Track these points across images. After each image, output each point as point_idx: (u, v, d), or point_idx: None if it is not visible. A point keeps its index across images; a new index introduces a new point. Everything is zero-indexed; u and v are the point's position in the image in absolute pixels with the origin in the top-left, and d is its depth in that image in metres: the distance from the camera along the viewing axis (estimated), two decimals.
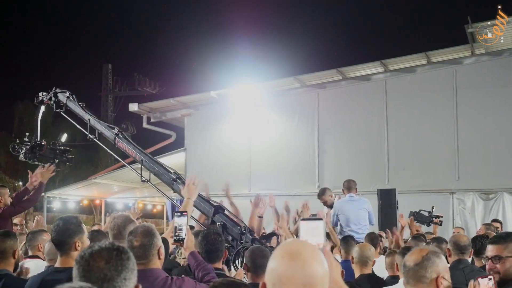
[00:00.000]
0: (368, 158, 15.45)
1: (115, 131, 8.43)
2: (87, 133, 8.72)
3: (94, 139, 8.75)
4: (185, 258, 6.66)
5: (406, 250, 5.78)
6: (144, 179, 8.03)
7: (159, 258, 4.09)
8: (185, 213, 4.90)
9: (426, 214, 10.82)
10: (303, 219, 2.65)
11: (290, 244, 2.24)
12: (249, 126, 16.45)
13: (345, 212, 10.20)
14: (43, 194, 20.63)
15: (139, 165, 8.15)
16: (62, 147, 9.13)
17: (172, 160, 18.14)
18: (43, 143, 8.86)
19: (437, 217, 10.96)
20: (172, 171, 7.76)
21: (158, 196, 23.76)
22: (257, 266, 4.87)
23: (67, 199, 24.55)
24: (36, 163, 9.10)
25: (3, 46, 65.00)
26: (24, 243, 7.42)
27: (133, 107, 17.42)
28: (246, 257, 5.13)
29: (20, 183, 31.92)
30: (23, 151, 8.83)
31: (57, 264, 4.46)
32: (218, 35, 77.03)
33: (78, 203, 33.46)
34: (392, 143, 15.32)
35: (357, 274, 6.09)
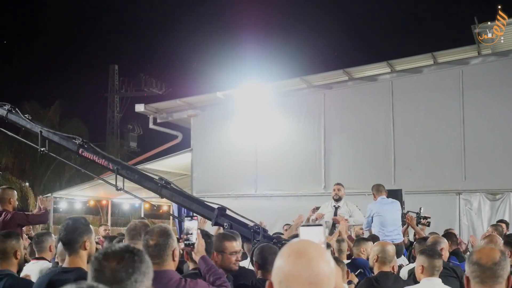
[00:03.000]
0: (374, 158, 15.44)
1: (78, 141, 7.94)
2: (38, 147, 8.14)
3: (49, 153, 8.27)
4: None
5: (429, 250, 5.80)
6: (119, 188, 7.72)
7: (174, 260, 4.11)
8: (195, 217, 4.91)
9: (414, 215, 10.81)
10: (303, 225, 2.67)
11: (296, 243, 2.25)
12: (255, 127, 16.45)
13: (382, 214, 10.29)
14: (49, 194, 20.74)
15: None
16: None
17: (178, 161, 18.21)
18: None
19: (425, 218, 10.95)
20: (156, 177, 7.48)
21: None
22: (267, 263, 4.90)
23: (74, 199, 24.61)
24: None
25: (10, 47, 65.17)
26: (30, 244, 7.46)
27: (140, 107, 17.44)
28: (256, 255, 5.15)
29: (27, 183, 31.93)
30: None
31: (65, 264, 4.46)
32: (224, 35, 77.06)
33: (84, 204, 33.48)
34: (399, 143, 15.31)
35: (376, 271, 6.14)
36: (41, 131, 8.13)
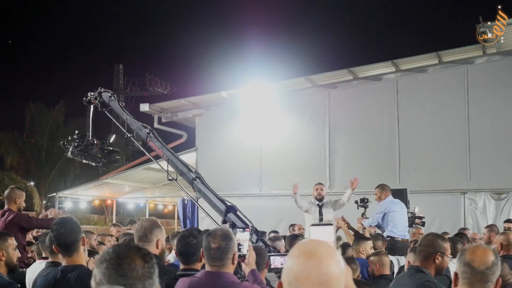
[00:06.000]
0: (379, 158, 15.41)
1: (147, 130, 8.56)
2: (125, 131, 8.91)
3: (132, 138, 8.93)
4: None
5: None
6: (171, 177, 8.20)
7: (233, 263, 4.14)
8: (248, 229, 4.85)
9: (409, 215, 10.80)
10: (313, 225, 2.65)
11: (306, 243, 2.23)
12: (260, 126, 16.44)
13: (396, 211, 10.45)
14: (54, 194, 20.80)
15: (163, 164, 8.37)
16: (110, 147, 9.42)
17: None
18: (95, 142, 9.18)
19: (420, 218, 10.94)
20: (193, 170, 7.97)
21: (169, 196, 23.79)
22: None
23: (79, 199, 24.63)
24: (84, 161, 9.57)
25: (15, 47, 65.33)
26: (36, 244, 7.40)
27: (144, 107, 17.43)
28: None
29: (32, 183, 31.99)
30: (71, 148, 9.13)
31: (64, 263, 4.45)
32: (229, 35, 77.15)
33: (89, 203, 33.57)
34: (403, 143, 15.28)
35: None
36: (126, 119, 8.91)
